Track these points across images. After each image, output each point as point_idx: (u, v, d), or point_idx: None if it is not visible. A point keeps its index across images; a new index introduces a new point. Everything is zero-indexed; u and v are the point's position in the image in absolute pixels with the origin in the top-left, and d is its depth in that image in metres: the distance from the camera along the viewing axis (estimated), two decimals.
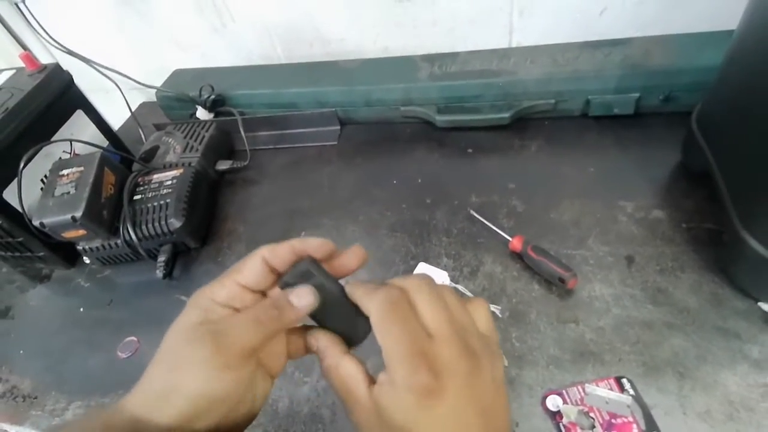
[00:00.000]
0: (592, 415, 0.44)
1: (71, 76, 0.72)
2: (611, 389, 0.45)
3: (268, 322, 0.29)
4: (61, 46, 0.84)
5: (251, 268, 0.30)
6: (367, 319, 0.29)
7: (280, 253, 0.30)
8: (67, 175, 0.63)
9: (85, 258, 0.68)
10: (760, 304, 0.47)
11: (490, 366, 0.28)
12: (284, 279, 0.30)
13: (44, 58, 0.82)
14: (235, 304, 0.30)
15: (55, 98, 0.69)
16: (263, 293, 0.31)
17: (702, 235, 0.54)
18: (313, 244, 0.30)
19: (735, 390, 0.43)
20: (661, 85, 0.63)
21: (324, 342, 0.30)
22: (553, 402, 0.45)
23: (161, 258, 0.64)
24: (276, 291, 0.31)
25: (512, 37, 0.75)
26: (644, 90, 0.64)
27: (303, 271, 0.30)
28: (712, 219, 0.54)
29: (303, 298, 0.29)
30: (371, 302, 0.28)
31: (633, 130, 0.66)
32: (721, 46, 0.50)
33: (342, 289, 0.31)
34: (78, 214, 0.59)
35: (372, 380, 0.28)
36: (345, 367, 0.29)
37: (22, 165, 0.61)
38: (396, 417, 0.26)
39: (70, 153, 0.71)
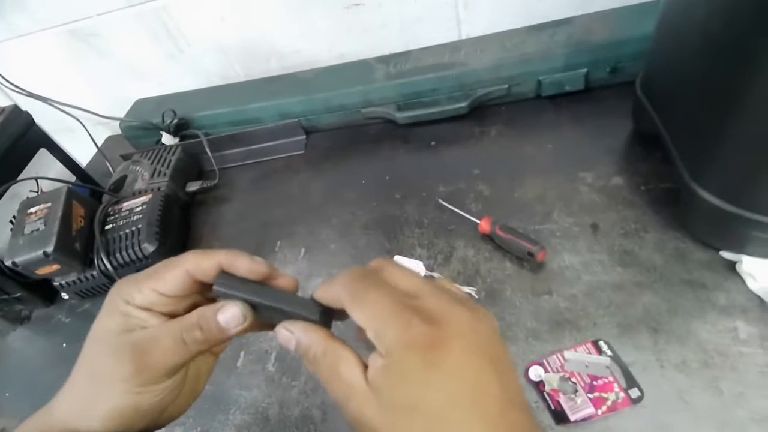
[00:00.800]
0: (573, 380, 0.45)
1: (31, 116, 0.73)
2: (589, 353, 0.46)
3: (192, 344, 0.27)
4: (19, 88, 0.84)
5: (172, 280, 0.28)
6: (316, 304, 0.27)
7: (205, 267, 0.28)
8: (36, 212, 0.63)
9: (63, 294, 0.67)
10: (721, 253, 0.49)
11: (488, 316, 0.25)
12: (214, 289, 0.28)
13: (3, 102, 0.82)
14: (156, 308, 0.28)
15: (16, 139, 0.69)
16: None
17: (661, 195, 0.55)
18: (243, 264, 0.28)
19: (707, 338, 0.45)
20: (606, 58, 0.66)
21: (301, 330, 0.27)
22: (535, 372, 0.46)
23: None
24: (202, 309, 0.28)
25: (461, 30, 0.77)
26: (591, 65, 0.66)
27: (230, 283, 0.28)
28: (668, 178, 0.56)
29: (231, 319, 0.27)
30: (336, 283, 0.26)
31: (586, 105, 0.68)
32: (656, 15, 0.52)
33: (276, 292, 0.29)
34: (49, 248, 0.59)
35: (365, 366, 0.25)
36: (335, 352, 0.26)
37: None
38: (400, 394, 0.23)
39: (37, 191, 0.71)
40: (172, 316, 0.28)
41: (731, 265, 0.48)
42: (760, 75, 0.37)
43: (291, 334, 0.27)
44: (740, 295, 0.46)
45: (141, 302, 0.28)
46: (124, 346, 0.26)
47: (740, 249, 0.47)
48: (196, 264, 0.28)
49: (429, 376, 0.22)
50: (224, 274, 0.28)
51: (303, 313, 0.28)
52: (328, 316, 0.28)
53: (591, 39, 0.66)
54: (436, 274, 0.56)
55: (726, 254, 0.48)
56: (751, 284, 0.46)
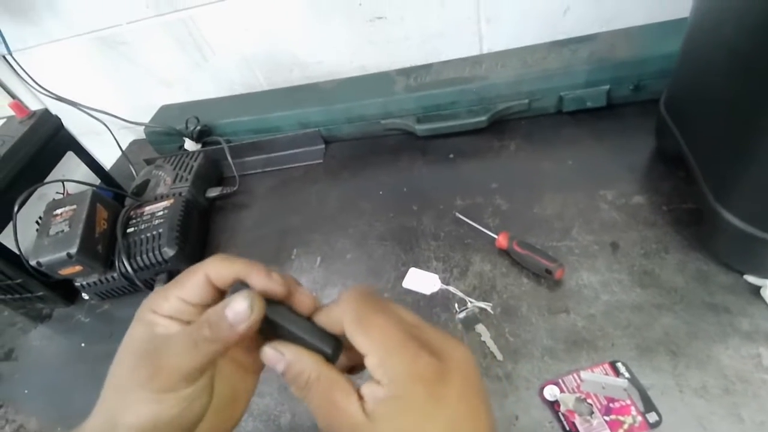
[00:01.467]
0: (589, 401, 0.44)
1: (60, 120, 0.75)
2: (606, 374, 0.45)
3: (203, 343, 0.26)
4: (49, 92, 0.87)
5: (193, 285, 0.28)
6: (330, 337, 0.27)
7: (224, 274, 0.28)
8: (61, 214, 0.64)
9: (83, 294, 0.69)
10: (745, 276, 0.48)
11: (469, 350, 0.26)
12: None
13: (34, 106, 0.84)
14: (182, 317, 0.28)
15: (45, 142, 0.71)
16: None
17: (682, 216, 0.55)
18: (258, 280, 0.27)
19: (728, 363, 0.44)
20: (629, 76, 0.65)
21: (294, 353, 0.26)
22: (551, 392, 0.46)
23: (157, 287, 0.65)
24: (212, 308, 0.27)
25: (482, 45, 0.77)
26: (614, 81, 0.66)
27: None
28: (691, 199, 0.55)
29: (240, 312, 0.26)
30: (339, 305, 0.26)
31: (607, 121, 0.68)
32: (681, 33, 0.52)
33: (289, 309, 0.28)
34: (73, 250, 0.60)
35: (359, 395, 0.24)
36: (330, 378, 0.25)
37: (16, 208, 0.63)
38: (404, 426, 0.23)
39: (63, 193, 0.73)
40: None
41: (755, 290, 0.47)
42: None
43: (281, 355, 0.26)
44: (765, 321, 0.45)
45: (166, 310, 0.28)
46: (142, 353, 0.26)
47: (765, 273, 0.46)
48: (216, 270, 0.28)
49: (434, 408, 0.23)
50: (241, 284, 0.28)
51: (317, 344, 0.27)
52: (338, 351, 0.27)
53: (614, 56, 0.66)
54: (452, 288, 0.56)
55: (750, 278, 0.47)
56: None
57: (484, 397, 0.25)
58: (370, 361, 0.24)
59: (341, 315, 0.26)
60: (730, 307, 0.47)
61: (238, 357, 0.30)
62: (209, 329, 0.26)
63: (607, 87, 0.66)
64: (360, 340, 0.25)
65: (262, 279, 0.27)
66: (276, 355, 0.26)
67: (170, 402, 0.26)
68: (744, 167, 0.43)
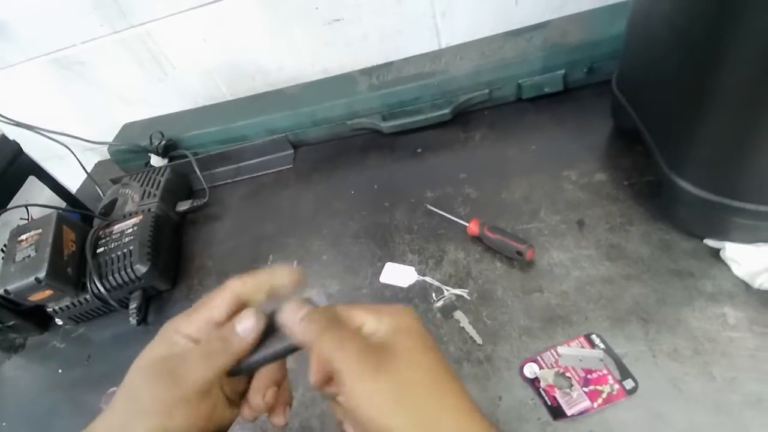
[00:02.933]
0: (568, 374, 0.45)
1: (18, 145, 0.73)
2: (582, 347, 0.47)
3: (216, 355, 0.28)
4: (6, 118, 0.84)
5: (220, 304, 0.30)
6: None
7: (249, 286, 0.30)
8: (26, 239, 0.63)
9: (57, 319, 0.67)
10: (705, 241, 0.50)
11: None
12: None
13: None
14: (202, 337, 0.30)
15: (4, 168, 0.70)
16: None
17: (643, 189, 0.56)
18: (281, 274, 0.31)
19: (697, 325, 0.45)
20: (582, 59, 0.67)
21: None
22: (530, 369, 0.46)
23: (133, 305, 0.63)
24: (224, 323, 0.30)
25: (440, 39, 0.79)
26: (568, 66, 0.68)
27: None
28: (649, 172, 0.57)
29: (247, 324, 0.29)
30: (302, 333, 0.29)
31: (565, 105, 0.70)
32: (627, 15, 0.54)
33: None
34: (41, 274, 0.59)
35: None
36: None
37: None
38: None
39: (28, 219, 0.71)
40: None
41: (716, 253, 0.49)
42: (727, 64, 0.38)
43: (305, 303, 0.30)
44: (726, 281, 0.47)
45: (188, 331, 0.30)
46: (159, 368, 0.28)
47: (723, 236, 0.48)
48: (242, 285, 0.30)
49: (384, 374, 0.27)
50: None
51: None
52: None
53: (567, 41, 0.68)
54: (428, 279, 0.56)
55: (710, 242, 0.49)
56: (736, 270, 0.47)
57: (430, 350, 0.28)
58: (370, 325, 0.29)
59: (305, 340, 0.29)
60: (694, 271, 0.49)
61: (228, 389, 0.31)
62: (221, 342, 0.29)
63: (563, 72, 0.68)
64: (354, 312, 0.29)
65: (288, 274, 0.32)
66: (301, 303, 0.29)
67: (180, 415, 0.27)
68: (692, 135, 0.45)
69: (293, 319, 0.29)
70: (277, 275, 0.31)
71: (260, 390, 0.31)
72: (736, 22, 0.36)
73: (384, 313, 0.29)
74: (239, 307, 0.30)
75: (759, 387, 0.40)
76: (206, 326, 0.30)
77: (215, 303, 0.30)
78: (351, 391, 0.26)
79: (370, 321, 0.29)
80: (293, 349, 0.30)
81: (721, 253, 0.48)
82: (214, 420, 0.29)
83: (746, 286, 0.46)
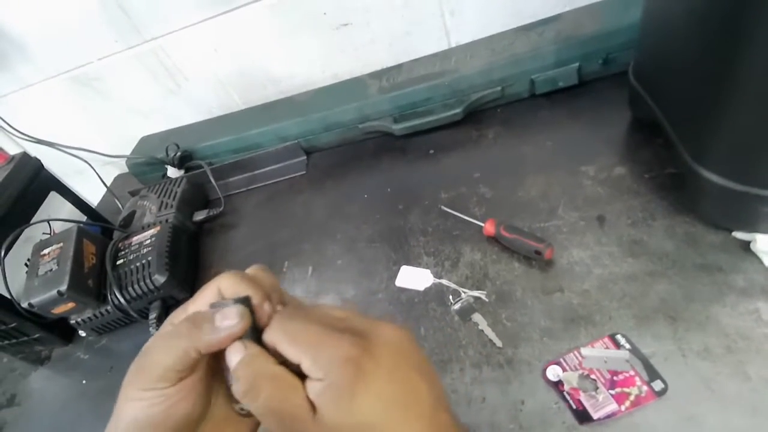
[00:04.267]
0: (593, 376, 0.44)
1: (39, 161, 0.75)
2: (607, 348, 0.45)
3: (177, 340, 0.26)
4: (28, 136, 0.87)
5: (204, 297, 0.29)
6: None
7: (232, 290, 0.28)
8: (48, 253, 0.64)
9: (80, 331, 0.68)
10: (734, 233, 0.48)
11: (404, 327, 0.27)
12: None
13: (12, 150, 0.84)
14: None
15: (26, 185, 0.71)
16: None
17: (665, 181, 0.54)
18: (256, 298, 0.28)
19: (728, 322, 0.43)
20: (597, 51, 0.65)
21: (258, 350, 0.26)
22: (553, 372, 0.45)
23: (152, 315, 0.64)
24: (197, 313, 0.28)
25: (450, 38, 0.78)
26: (583, 59, 0.66)
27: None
28: (671, 164, 0.55)
29: (228, 319, 0.26)
30: (269, 332, 0.27)
31: (581, 99, 0.68)
32: (641, 3, 0.52)
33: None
34: (63, 287, 0.60)
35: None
36: (282, 375, 0.25)
37: (2, 252, 0.63)
38: (342, 410, 0.23)
39: (50, 233, 0.73)
40: None
41: (746, 245, 0.47)
42: (750, 48, 0.36)
43: (243, 348, 0.26)
44: (759, 275, 0.45)
45: (177, 320, 0.28)
46: (138, 356, 0.27)
47: (752, 227, 0.46)
48: (227, 284, 0.28)
49: (365, 385, 0.23)
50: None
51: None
52: None
53: (580, 33, 0.66)
54: (444, 281, 0.55)
55: (739, 234, 0.47)
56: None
57: (423, 369, 0.26)
58: (305, 366, 0.24)
59: (273, 339, 0.26)
60: (723, 265, 0.46)
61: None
62: (186, 327, 0.27)
63: (577, 64, 0.66)
64: (291, 352, 0.25)
65: (257, 301, 0.28)
66: (240, 345, 0.26)
67: (151, 400, 0.26)
68: (716, 124, 0.43)
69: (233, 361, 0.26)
70: (256, 295, 0.28)
71: None
72: (757, 3, 0.34)
73: (321, 358, 0.24)
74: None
75: None
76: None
77: (203, 297, 0.29)
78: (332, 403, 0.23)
79: (307, 362, 0.24)
80: None
81: (751, 245, 0.46)
82: (198, 408, 0.28)
83: None
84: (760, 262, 0.45)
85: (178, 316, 0.29)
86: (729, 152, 0.44)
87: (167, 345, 0.26)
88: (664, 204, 0.53)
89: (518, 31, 0.72)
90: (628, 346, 0.45)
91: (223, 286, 0.28)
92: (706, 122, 0.44)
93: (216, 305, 0.28)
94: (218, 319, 0.26)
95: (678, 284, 0.47)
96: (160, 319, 0.64)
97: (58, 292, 0.60)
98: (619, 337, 0.45)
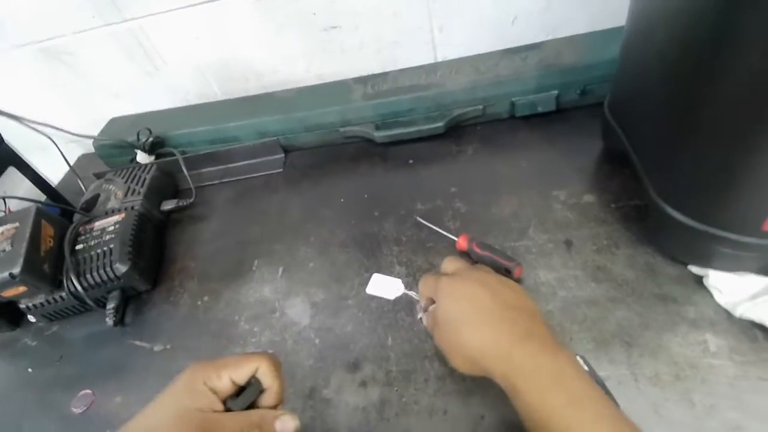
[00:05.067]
0: None
1: None
2: None
3: None
4: None
5: (246, 373, 0.34)
6: None
7: (268, 376, 0.35)
8: (2, 232, 0.61)
9: (29, 316, 0.65)
10: (689, 267, 0.50)
11: (491, 273, 0.46)
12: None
13: None
14: (221, 393, 0.33)
15: None
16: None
17: (630, 212, 0.57)
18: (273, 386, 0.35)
19: (678, 350, 0.46)
20: (576, 81, 0.68)
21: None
22: None
23: (110, 305, 0.62)
24: (263, 411, 0.34)
25: (437, 53, 0.79)
26: (562, 87, 0.69)
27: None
28: (637, 196, 0.58)
29: (287, 428, 0.33)
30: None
31: (558, 125, 0.70)
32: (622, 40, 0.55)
33: None
34: (16, 270, 0.57)
35: None
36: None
37: None
38: (440, 317, 0.42)
39: (5, 211, 0.69)
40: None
41: (699, 279, 0.49)
42: (715, 97, 0.39)
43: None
44: (709, 309, 0.47)
45: (215, 386, 0.32)
46: (195, 421, 0.30)
47: (706, 263, 0.48)
48: (265, 369, 0.34)
49: (451, 302, 0.42)
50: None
51: None
52: None
53: (561, 62, 0.69)
54: (414, 293, 0.56)
55: (694, 269, 0.50)
56: (718, 298, 0.47)
57: (489, 287, 0.43)
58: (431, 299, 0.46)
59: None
60: (678, 297, 0.49)
61: None
62: (259, 430, 0.32)
63: (556, 92, 0.69)
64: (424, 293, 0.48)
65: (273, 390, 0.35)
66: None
67: None
68: (678, 163, 0.45)
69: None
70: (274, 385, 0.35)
71: None
72: (725, 59, 0.36)
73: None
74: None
75: (737, 415, 0.41)
76: (230, 386, 0.33)
77: (243, 370, 0.34)
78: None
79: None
80: None
81: (704, 280, 0.49)
82: None
83: (728, 315, 0.46)
84: (711, 296, 0.48)
85: (212, 380, 0.33)
86: (689, 191, 0.46)
87: None
88: (628, 234, 0.55)
89: (503, 53, 0.74)
90: (586, 367, 0.46)
91: (262, 370, 0.34)
92: (670, 160, 0.47)
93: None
94: (279, 426, 0.33)
95: (635, 311, 0.49)
96: (118, 310, 0.62)
97: (10, 274, 0.57)
98: (578, 358, 0.47)
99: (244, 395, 0.34)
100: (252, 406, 0.35)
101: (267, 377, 0.34)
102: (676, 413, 0.42)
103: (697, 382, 0.43)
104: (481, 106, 0.72)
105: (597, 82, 0.67)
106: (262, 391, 0.35)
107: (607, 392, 0.43)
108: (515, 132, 0.72)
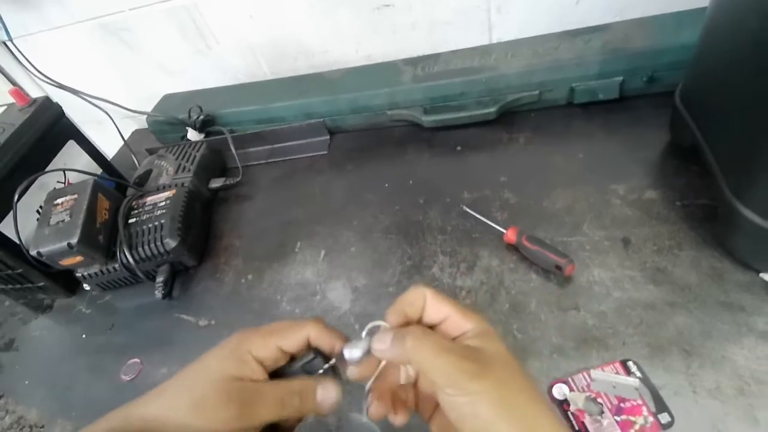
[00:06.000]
0: (600, 400, 0.43)
1: (61, 107, 0.74)
2: (617, 373, 0.44)
3: (289, 407, 0.31)
4: (51, 80, 0.85)
5: (295, 341, 0.32)
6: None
7: (324, 337, 0.33)
8: (62, 203, 0.64)
9: (85, 285, 0.68)
10: (761, 275, 0.46)
11: None
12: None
13: (35, 93, 0.83)
14: (267, 362, 0.32)
15: (46, 130, 0.70)
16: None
17: (697, 212, 0.53)
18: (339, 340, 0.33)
19: (744, 364, 0.42)
20: (643, 67, 0.63)
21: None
22: (560, 390, 0.44)
23: (159, 278, 0.64)
24: (305, 380, 0.32)
25: (492, 34, 0.76)
26: (627, 73, 0.64)
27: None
28: (706, 194, 0.54)
29: (329, 395, 0.32)
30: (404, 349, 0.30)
31: (619, 114, 0.66)
32: (697, 24, 0.50)
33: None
34: (74, 240, 0.59)
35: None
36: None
37: (16, 197, 0.62)
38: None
39: (64, 183, 0.72)
40: (270, 374, 0.33)
41: None
42: None
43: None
44: None
45: (260, 355, 0.31)
46: (234, 391, 0.30)
47: None
48: (317, 335, 0.32)
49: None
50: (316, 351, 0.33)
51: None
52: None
53: (628, 46, 0.64)
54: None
55: (766, 276, 0.46)
56: None
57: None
58: (454, 319, 0.31)
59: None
60: (746, 305, 0.46)
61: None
62: (300, 399, 0.31)
63: (621, 78, 0.64)
64: (443, 308, 0.31)
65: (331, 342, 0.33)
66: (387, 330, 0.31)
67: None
68: (763, 162, 0.41)
69: (383, 347, 0.30)
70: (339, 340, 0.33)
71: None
72: None
73: (469, 314, 0.30)
74: (304, 349, 0.33)
75: None
76: (278, 354, 0.32)
77: (291, 337, 0.32)
78: (453, 402, 0.26)
79: (457, 318, 0.30)
80: None
81: None
82: None
83: None
84: None
85: (257, 348, 0.32)
86: None
87: (277, 406, 0.30)
88: (693, 235, 0.52)
89: (563, 35, 0.70)
90: (639, 374, 0.44)
91: (312, 335, 0.32)
92: (753, 159, 0.43)
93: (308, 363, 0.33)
94: (320, 393, 0.31)
95: (697, 318, 0.46)
96: (167, 284, 0.64)
97: (68, 244, 0.59)
98: (630, 363, 0.45)
99: (297, 362, 0.33)
100: (311, 372, 0.33)
101: (320, 343, 0.33)
102: (737, 429, 0.39)
103: (764, 399, 0.40)
104: (537, 92, 0.68)
105: (667, 69, 0.62)
106: (315, 357, 0.33)
107: (661, 402, 0.41)
108: (572, 120, 0.68)
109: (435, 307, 0.31)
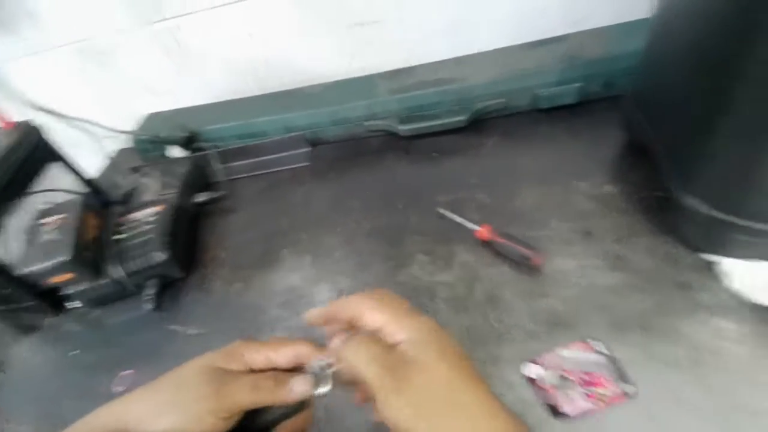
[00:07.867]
0: (569, 376, 0.47)
1: (41, 130, 0.75)
2: (584, 351, 0.48)
3: (262, 391, 0.33)
4: (32, 103, 0.87)
5: (284, 355, 0.35)
6: None
7: (314, 358, 0.35)
8: (50, 222, 0.65)
9: (74, 302, 0.69)
10: (702, 255, 0.51)
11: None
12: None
13: (17, 117, 0.84)
14: (255, 367, 0.35)
15: (28, 153, 0.71)
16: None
17: (652, 203, 0.58)
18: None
19: (696, 336, 0.47)
20: (599, 73, 0.69)
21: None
22: (533, 370, 0.48)
23: (149, 291, 0.65)
24: (279, 371, 0.35)
25: (462, 47, 0.80)
26: (585, 79, 0.69)
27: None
28: (659, 187, 0.58)
29: (300, 387, 0.34)
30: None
31: (580, 117, 0.71)
32: (645, 32, 0.55)
33: None
34: (67, 257, 0.61)
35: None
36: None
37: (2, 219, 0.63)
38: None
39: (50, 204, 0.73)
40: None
41: (712, 266, 0.50)
42: (745, 88, 0.40)
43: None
44: (725, 295, 0.48)
45: (250, 357, 0.35)
46: (214, 374, 0.33)
47: (724, 252, 0.49)
48: (308, 352, 0.35)
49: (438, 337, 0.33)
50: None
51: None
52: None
53: (585, 55, 0.70)
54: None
55: (707, 256, 0.51)
56: (732, 283, 0.48)
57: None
58: (390, 329, 0.33)
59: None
60: (695, 284, 0.50)
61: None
62: (273, 382, 0.33)
63: (579, 84, 0.70)
64: (377, 317, 0.33)
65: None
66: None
67: (208, 422, 0.31)
68: (703, 154, 0.46)
69: (337, 343, 0.34)
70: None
71: None
72: (757, 49, 0.37)
73: (405, 323, 0.32)
74: (297, 364, 0.35)
75: (753, 399, 0.42)
76: (265, 363, 0.35)
77: (281, 351, 0.35)
78: (380, 404, 0.30)
79: (392, 327, 0.32)
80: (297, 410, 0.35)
81: (716, 267, 0.50)
82: None
83: (743, 301, 0.47)
84: (728, 283, 0.49)
85: (251, 355, 0.35)
86: (712, 182, 0.47)
87: (251, 389, 0.33)
88: (648, 224, 0.56)
89: (527, 46, 0.75)
90: (603, 350, 0.48)
91: (301, 353, 0.35)
92: (695, 151, 0.48)
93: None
94: (294, 384, 0.33)
95: (654, 299, 0.50)
96: (156, 297, 0.66)
97: (60, 262, 0.61)
98: (595, 342, 0.49)
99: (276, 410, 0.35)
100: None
101: (306, 361, 0.35)
102: (694, 395, 0.43)
103: (714, 366, 0.44)
104: (503, 99, 0.73)
105: (621, 74, 0.68)
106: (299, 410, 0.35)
107: (624, 374, 0.45)
108: (537, 124, 0.73)
109: (371, 317, 0.33)
